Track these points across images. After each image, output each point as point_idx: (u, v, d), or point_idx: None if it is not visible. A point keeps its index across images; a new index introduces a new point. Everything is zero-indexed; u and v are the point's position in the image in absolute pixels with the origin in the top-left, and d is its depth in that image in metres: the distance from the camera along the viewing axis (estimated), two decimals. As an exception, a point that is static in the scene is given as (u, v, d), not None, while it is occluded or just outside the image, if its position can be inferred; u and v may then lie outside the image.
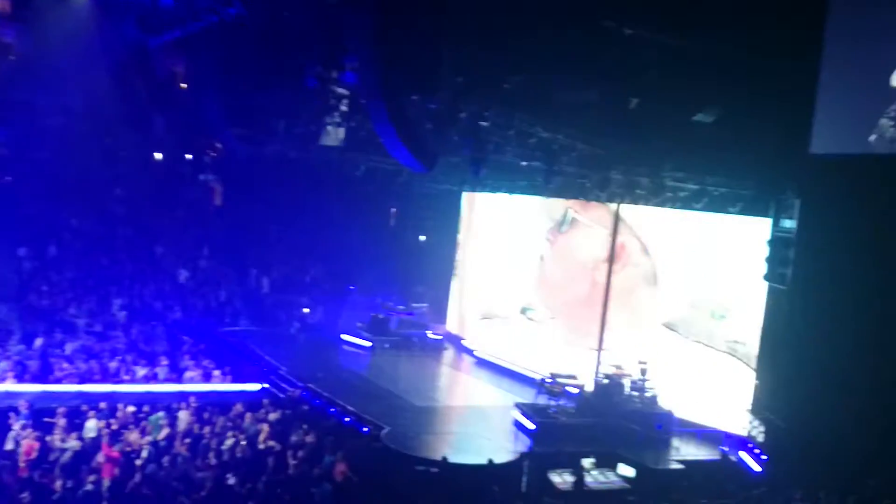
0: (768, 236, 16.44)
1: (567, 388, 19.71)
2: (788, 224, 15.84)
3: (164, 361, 20.54)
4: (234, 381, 20.31)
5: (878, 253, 13.37)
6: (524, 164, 20.42)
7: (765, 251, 16.38)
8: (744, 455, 16.37)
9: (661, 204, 20.66)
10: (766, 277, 16.52)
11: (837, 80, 12.98)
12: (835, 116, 13.07)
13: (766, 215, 17.11)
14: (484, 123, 17.66)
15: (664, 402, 19.10)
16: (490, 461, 15.91)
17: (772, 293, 17.05)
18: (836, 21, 12.94)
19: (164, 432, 16.13)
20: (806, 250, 15.28)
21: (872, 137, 12.29)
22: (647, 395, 19.02)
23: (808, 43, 13.05)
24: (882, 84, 12.31)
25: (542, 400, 19.44)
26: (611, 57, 14.82)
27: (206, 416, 17.09)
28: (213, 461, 14.70)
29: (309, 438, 16.14)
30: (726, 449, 17.31)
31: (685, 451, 18.14)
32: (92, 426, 15.72)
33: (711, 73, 14.44)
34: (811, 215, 15.10)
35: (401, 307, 27.68)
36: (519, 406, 19.48)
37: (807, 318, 15.15)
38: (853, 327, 13.88)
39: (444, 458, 15.80)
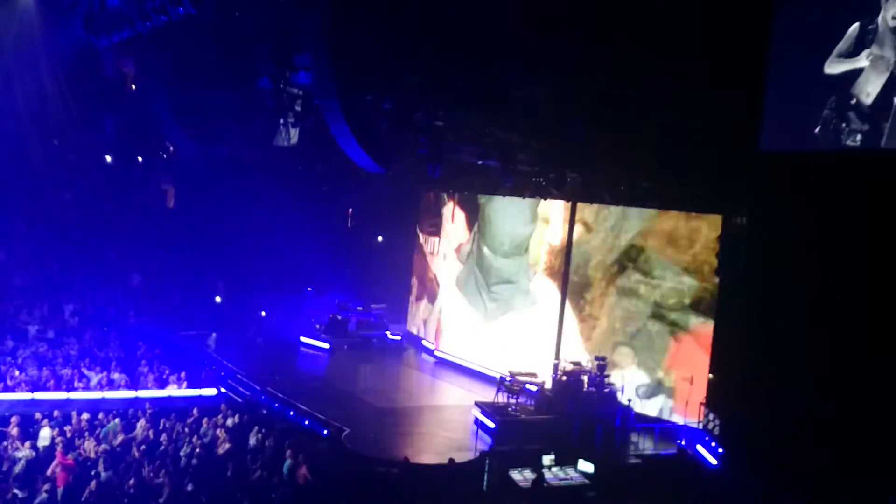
0: (719, 232, 16.71)
1: (527, 386, 19.82)
2: (739, 221, 16.12)
3: (119, 367, 20.20)
4: (191, 386, 20.04)
5: (827, 247, 13.64)
6: (480, 163, 20.45)
7: (716, 247, 16.66)
8: (700, 448, 16.62)
9: (617, 201, 20.88)
10: (718, 273, 16.80)
11: (784, 77, 13.24)
12: (782, 113, 13.34)
13: (718, 212, 17.38)
14: (439, 123, 17.65)
15: (622, 398, 19.32)
16: (451, 460, 15.94)
17: (724, 288, 17.34)
18: (782, 17, 13.20)
19: (120, 439, 15.89)
20: (757, 246, 15.54)
21: (817, 129, 12.58)
22: (606, 390, 19.22)
23: (755, 40, 13.29)
24: (826, 77, 12.62)
25: (503, 398, 19.52)
26: (563, 56, 14.91)
27: (162, 422, 16.83)
28: (170, 468, 14.48)
29: (268, 443, 16.01)
30: (683, 443, 17.56)
31: (643, 446, 18.38)
32: (46, 435, 15.43)
33: (663, 71, 14.61)
34: (761, 211, 15.37)
35: (359, 308, 27.59)
36: (479, 405, 19.55)
37: (759, 312, 15.40)
38: (805, 321, 14.14)
39: (406, 459, 15.79)
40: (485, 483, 15.56)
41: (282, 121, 19.04)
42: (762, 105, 13.47)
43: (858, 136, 12.21)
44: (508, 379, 19.81)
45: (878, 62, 11.95)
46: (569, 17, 14.35)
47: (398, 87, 16.15)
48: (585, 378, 19.35)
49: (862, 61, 12.15)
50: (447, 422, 19.79)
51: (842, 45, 12.43)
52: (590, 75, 15.41)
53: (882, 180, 12.32)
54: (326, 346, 26.23)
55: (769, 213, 14.92)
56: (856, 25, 12.18)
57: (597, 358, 19.79)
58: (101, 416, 16.55)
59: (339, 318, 26.98)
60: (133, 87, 25.50)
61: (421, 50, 15.32)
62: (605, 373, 19.36)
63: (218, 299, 28.24)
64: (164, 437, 16.00)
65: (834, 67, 12.51)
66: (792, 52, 13.11)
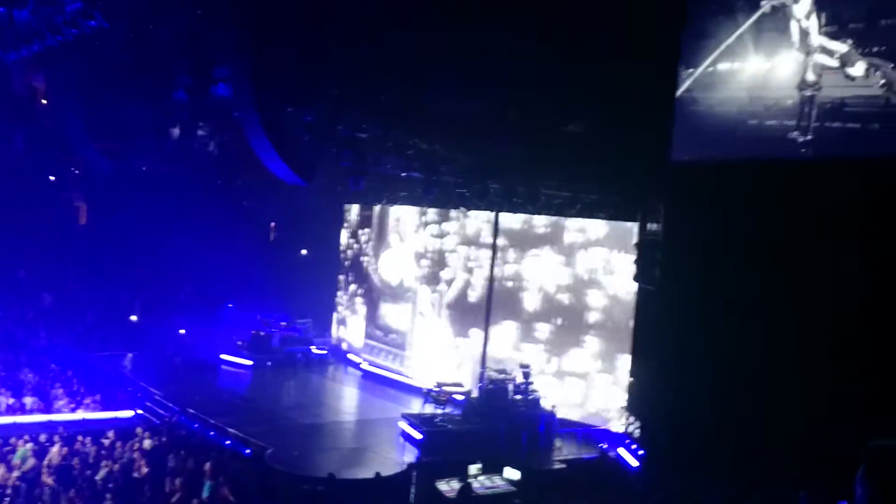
0: (636, 239, 17.19)
1: (453, 396, 19.89)
2: (654, 227, 16.63)
3: (31, 391, 19.44)
4: (106, 408, 19.39)
5: (738, 251, 14.18)
6: (403, 174, 20.54)
7: (633, 254, 17.13)
8: (622, 451, 17.00)
9: (538, 211, 21.26)
10: (636, 279, 17.26)
11: (693, 90, 13.82)
12: (691, 125, 13.90)
13: (634, 220, 17.89)
14: (362, 135, 17.66)
15: (546, 404, 19.60)
16: (377, 474, 15.85)
17: (642, 293, 17.82)
18: (690, 34, 13.79)
19: (30, 463, 15.24)
20: (672, 252, 16.04)
21: (723, 140, 13.27)
22: (530, 397, 19.45)
23: (665, 57, 13.84)
24: (734, 91, 13.28)
25: (429, 409, 19.54)
26: (486, 68, 15.16)
27: (77, 445, 16.27)
28: (86, 492, 13.96)
29: (188, 464, 15.59)
30: (605, 446, 17.92)
31: (567, 451, 18.66)
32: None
33: (580, 85, 15.01)
34: (675, 218, 15.89)
35: (283, 323, 27.17)
36: (406, 417, 19.51)
37: (675, 316, 15.87)
38: (720, 324, 14.63)
39: (331, 475, 15.60)
40: (412, 496, 15.52)
41: (200, 133, 18.72)
42: (672, 119, 14.04)
43: (765, 145, 12.86)
44: (435, 390, 19.84)
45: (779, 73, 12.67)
46: (489, 33, 14.62)
47: (320, 99, 16.10)
48: (511, 386, 19.54)
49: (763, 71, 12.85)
50: (373, 435, 19.67)
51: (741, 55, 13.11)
52: (511, 90, 15.72)
53: (786, 186, 12.94)
54: (249, 363, 25.73)
55: (682, 220, 15.43)
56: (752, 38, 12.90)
57: (521, 365, 20.02)
58: (12, 440, 15.87)
59: (262, 333, 26.51)
60: (44, 101, 24.65)
61: (343, 62, 15.33)
62: (530, 380, 19.60)
63: (134, 318, 27.42)
64: (76, 460, 15.43)
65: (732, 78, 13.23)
66: (699, 70, 13.75)
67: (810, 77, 12.46)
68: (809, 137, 12.51)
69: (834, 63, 12.05)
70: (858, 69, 11.74)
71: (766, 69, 13.05)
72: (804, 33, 12.51)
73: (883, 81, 11.45)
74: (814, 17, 12.36)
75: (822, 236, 12.74)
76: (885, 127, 11.67)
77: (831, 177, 12.41)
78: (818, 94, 12.41)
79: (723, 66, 13.60)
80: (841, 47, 11.96)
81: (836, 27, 12.06)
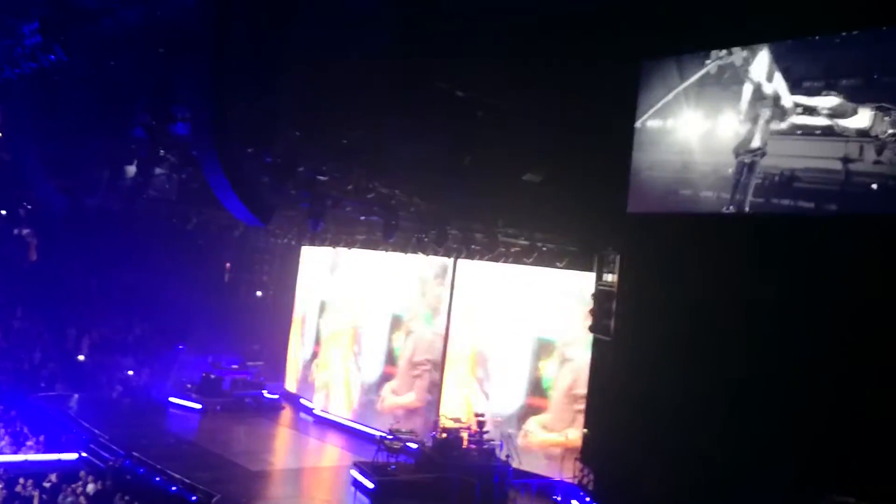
0: (592, 290, 17.33)
1: (407, 445, 19.62)
2: (610, 278, 16.80)
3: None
4: (49, 450, 18.74)
5: (693, 302, 14.36)
6: (363, 218, 20.49)
7: (589, 304, 17.25)
8: (575, 503, 16.88)
9: (495, 259, 21.36)
10: (592, 329, 17.36)
11: (646, 147, 14.15)
12: (646, 179, 14.18)
13: (590, 270, 18.06)
14: (322, 178, 17.60)
15: (500, 454, 19.42)
16: (327, 523, 15.50)
17: (597, 344, 17.91)
18: (646, 89, 14.16)
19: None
20: (627, 303, 16.20)
21: (675, 194, 13.48)
22: (485, 447, 19.27)
23: (624, 107, 14.18)
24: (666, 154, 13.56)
25: (382, 458, 19.22)
26: (445, 116, 15.31)
27: (17, 488, 15.75)
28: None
29: (131, 510, 15.13)
30: (559, 498, 17.78)
31: (521, 502, 18.45)
32: None
33: (538, 135, 15.24)
34: (630, 270, 16.09)
35: (235, 366, 26.67)
36: (357, 465, 19.15)
37: (631, 366, 15.97)
38: (674, 374, 14.75)
39: (279, 523, 15.22)
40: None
41: (156, 171, 18.48)
42: (628, 172, 14.33)
43: (716, 200, 13.13)
44: (389, 437, 19.56)
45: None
46: (451, 79, 14.83)
47: (280, 140, 16.04)
48: (465, 435, 19.35)
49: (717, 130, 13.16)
50: (324, 484, 19.30)
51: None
52: (469, 137, 15.89)
53: (741, 240, 13.21)
54: (198, 406, 25.14)
55: (637, 271, 15.63)
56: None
57: (476, 414, 19.87)
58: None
59: (213, 376, 25.98)
60: (-1, 135, 24.18)
61: (304, 104, 15.35)
62: (484, 429, 19.44)
63: (82, 357, 26.68)
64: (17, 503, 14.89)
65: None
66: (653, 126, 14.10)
67: (755, 143, 12.57)
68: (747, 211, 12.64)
69: (821, 122, 11.81)
70: (862, 119, 11.33)
71: (704, 132, 13.30)
72: (760, 94, 12.67)
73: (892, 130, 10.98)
74: (778, 76, 12.40)
75: (779, 288, 12.96)
76: (844, 209, 11.40)
77: (783, 228, 12.67)
78: (760, 161, 12.53)
79: (654, 124, 13.92)
80: (828, 101, 11.74)
81: (819, 82, 11.88)
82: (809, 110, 11.97)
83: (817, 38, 12.05)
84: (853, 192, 11.40)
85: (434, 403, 22.71)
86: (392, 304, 24.85)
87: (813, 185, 11.87)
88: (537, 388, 20.58)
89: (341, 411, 25.28)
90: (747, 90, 12.80)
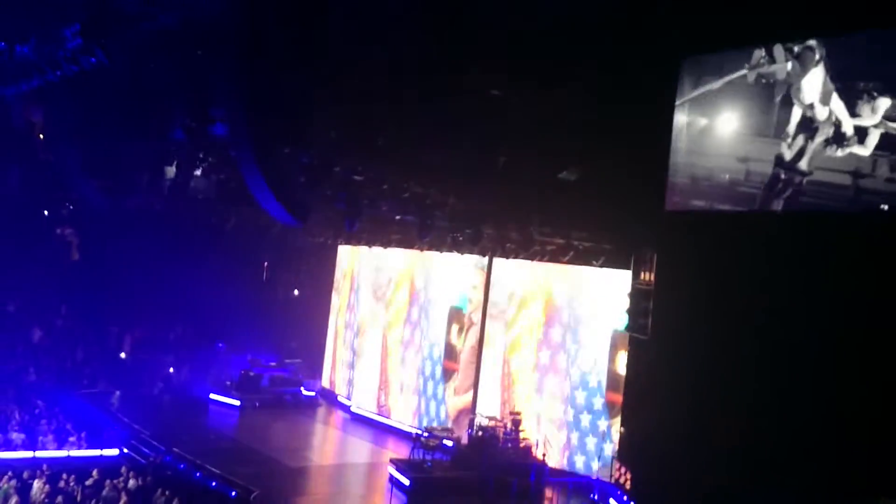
0: (629, 289, 17.19)
1: (443, 442, 19.68)
2: (647, 277, 16.64)
3: (17, 427, 19.17)
4: (91, 446, 19.12)
5: (730, 301, 14.18)
6: (398, 217, 20.57)
7: (626, 303, 17.11)
8: (612, 503, 16.77)
9: (531, 257, 21.29)
10: (628, 328, 17.22)
11: (683, 144, 14.00)
12: (683, 177, 14.04)
13: (626, 268, 17.92)
14: (357, 177, 17.72)
15: (537, 453, 19.38)
16: (364, 520, 15.62)
17: (633, 343, 17.76)
18: (684, 87, 14.01)
19: (13, 501, 14.99)
20: (664, 302, 16.03)
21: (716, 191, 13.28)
22: (521, 445, 19.25)
23: (663, 104, 14.04)
24: (724, 145, 13.42)
25: (418, 455, 19.30)
26: (479, 116, 15.30)
27: (61, 484, 16.07)
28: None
29: (172, 505, 15.37)
30: (595, 497, 17.69)
31: (557, 501, 18.41)
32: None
33: (575, 133, 15.16)
34: (667, 268, 15.91)
35: (273, 364, 26.99)
36: (394, 462, 19.26)
37: (667, 366, 15.79)
38: (711, 374, 14.58)
39: (317, 520, 15.37)
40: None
41: (196, 172, 18.76)
42: (666, 170, 14.18)
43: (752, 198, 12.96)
44: (425, 435, 19.64)
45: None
46: (485, 78, 14.80)
47: (317, 141, 16.18)
48: (501, 433, 19.35)
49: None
50: (361, 480, 19.44)
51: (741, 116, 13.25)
52: (501, 139, 15.87)
53: (777, 238, 13.01)
54: (237, 403, 25.48)
55: (675, 270, 15.45)
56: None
57: (511, 412, 19.86)
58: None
59: (252, 373, 26.32)
60: (41, 136, 24.71)
61: (340, 105, 15.45)
62: (520, 427, 19.41)
63: (123, 355, 27.18)
64: (60, 498, 15.18)
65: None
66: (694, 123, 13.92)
67: (803, 165, 12.09)
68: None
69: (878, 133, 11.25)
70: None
71: (743, 132, 13.07)
72: (812, 119, 12.06)
73: None
74: (835, 98, 11.73)
75: (817, 286, 12.73)
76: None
77: (824, 225, 12.45)
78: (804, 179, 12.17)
79: (692, 122, 13.75)
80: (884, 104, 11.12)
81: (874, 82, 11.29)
82: (864, 132, 11.43)
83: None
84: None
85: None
86: (450, 296, 24.44)
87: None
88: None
89: (379, 409, 25.38)
90: (797, 114, 12.37)
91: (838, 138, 11.87)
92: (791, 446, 13.15)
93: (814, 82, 12.16)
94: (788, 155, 12.46)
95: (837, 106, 11.84)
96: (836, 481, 12.31)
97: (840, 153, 11.83)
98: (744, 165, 13.07)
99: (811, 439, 12.83)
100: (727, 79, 13.29)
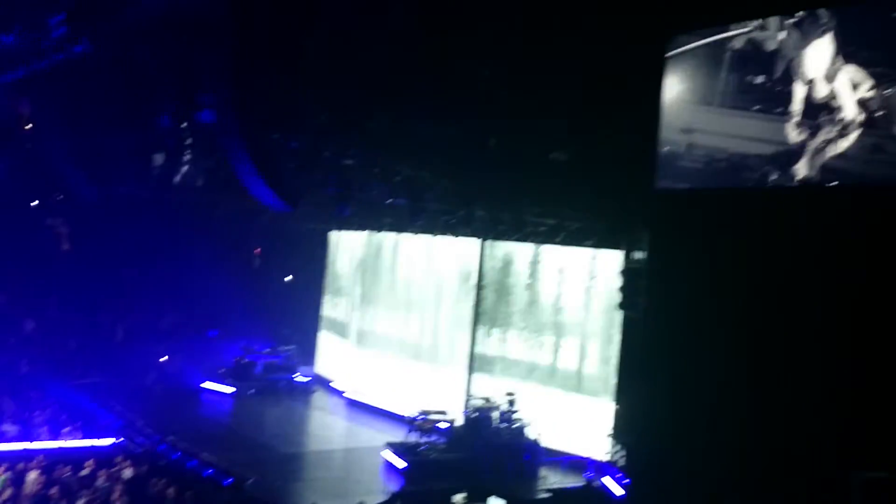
0: (622, 267, 17.23)
1: (437, 425, 19.74)
2: (639, 255, 16.68)
3: (10, 418, 19.10)
4: (86, 436, 19.08)
5: (724, 279, 14.22)
6: (389, 201, 20.54)
7: (618, 282, 17.15)
8: (607, 480, 16.87)
9: (523, 239, 21.30)
10: (621, 307, 17.27)
11: (673, 122, 13.97)
12: (674, 155, 14.04)
13: (618, 248, 17.96)
14: (348, 162, 17.66)
15: (531, 432, 19.47)
16: (361, 504, 15.67)
17: (627, 322, 17.82)
18: (675, 65, 13.98)
19: (7, 493, 14.97)
20: (657, 280, 16.07)
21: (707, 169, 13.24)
22: (515, 426, 19.34)
23: (651, 81, 14.01)
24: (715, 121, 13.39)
25: (413, 438, 19.36)
26: (469, 96, 15.26)
27: (55, 474, 15.99)
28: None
29: (168, 494, 15.37)
30: (591, 475, 17.80)
31: (552, 480, 18.52)
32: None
33: (563, 112, 15.14)
34: (660, 246, 15.94)
35: (266, 350, 26.96)
36: (390, 445, 19.32)
37: (661, 344, 15.84)
38: (705, 352, 14.64)
39: (314, 504, 15.43)
40: (396, 525, 15.35)
41: (185, 159, 18.67)
42: (656, 146, 14.17)
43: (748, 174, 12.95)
44: (419, 418, 19.69)
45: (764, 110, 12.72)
46: (474, 60, 14.76)
47: (305, 125, 16.11)
48: (496, 413, 19.43)
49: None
50: (356, 465, 19.48)
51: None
52: (494, 118, 15.83)
53: (772, 215, 13.03)
54: (231, 390, 25.47)
55: (667, 248, 15.48)
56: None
57: (506, 393, 19.92)
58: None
59: (245, 361, 26.28)
60: (28, 126, 24.54)
61: (328, 89, 15.38)
62: (514, 407, 19.50)
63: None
64: (55, 490, 15.16)
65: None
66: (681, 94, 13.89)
67: (802, 168, 11.81)
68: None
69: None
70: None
71: (736, 112, 12.90)
72: (813, 100, 11.65)
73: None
74: (843, 76, 11.19)
75: (813, 263, 12.76)
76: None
77: (823, 201, 12.41)
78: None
79: (683, 99, 13.66)
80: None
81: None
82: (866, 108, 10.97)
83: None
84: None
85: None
86: (444, 277, 24.30)
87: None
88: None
89: (373, 393, 25.43)
90: (799, 92, 11.97)
91: (842, 128, 11.56)
92: (788, 424, 13.24)
93: (817, 55, 11.66)
94: (786, 132, 12.37)
95: (844, 87, 11.38)
96: (835, 456, 12.39)
97: (846, 143, 11.55)
98: (736, 142, 13.05)
99: (810, 416, 12.90)
100: (720, 56, 13.23)
